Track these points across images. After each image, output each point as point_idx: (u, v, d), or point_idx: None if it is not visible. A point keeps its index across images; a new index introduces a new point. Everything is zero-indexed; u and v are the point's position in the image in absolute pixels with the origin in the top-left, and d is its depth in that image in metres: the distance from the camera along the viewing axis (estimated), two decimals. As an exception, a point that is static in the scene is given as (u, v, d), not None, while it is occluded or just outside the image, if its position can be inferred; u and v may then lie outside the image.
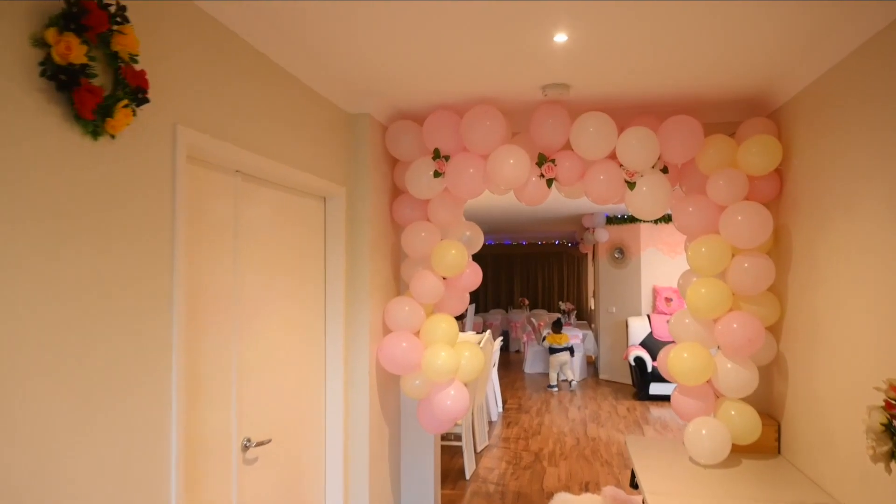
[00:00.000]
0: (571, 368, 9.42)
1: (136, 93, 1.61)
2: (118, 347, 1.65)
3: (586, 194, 3.41)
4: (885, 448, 1.55)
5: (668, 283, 9.05)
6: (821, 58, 2.66)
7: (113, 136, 1.60)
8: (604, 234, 9.61)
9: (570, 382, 9.32)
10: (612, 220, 9.65)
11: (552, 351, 9.27)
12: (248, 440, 2.43)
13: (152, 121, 1.78)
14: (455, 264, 3.47)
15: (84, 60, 1.43)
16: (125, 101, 1.56)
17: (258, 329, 2.57)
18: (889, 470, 1.60)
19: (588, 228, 10.01)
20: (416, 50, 2.63)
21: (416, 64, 2.81)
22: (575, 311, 12.86)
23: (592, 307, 12.81)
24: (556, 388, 9.15)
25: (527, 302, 14.74)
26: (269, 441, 2.56)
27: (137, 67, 1.63)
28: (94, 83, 1.49)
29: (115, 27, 1.54)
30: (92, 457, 1.56)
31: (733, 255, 3.15)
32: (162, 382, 1.82)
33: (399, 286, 3.88)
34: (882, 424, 1.54)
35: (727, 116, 3.49)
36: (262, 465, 2.57)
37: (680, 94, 3.29)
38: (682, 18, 2.32)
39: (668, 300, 8.92)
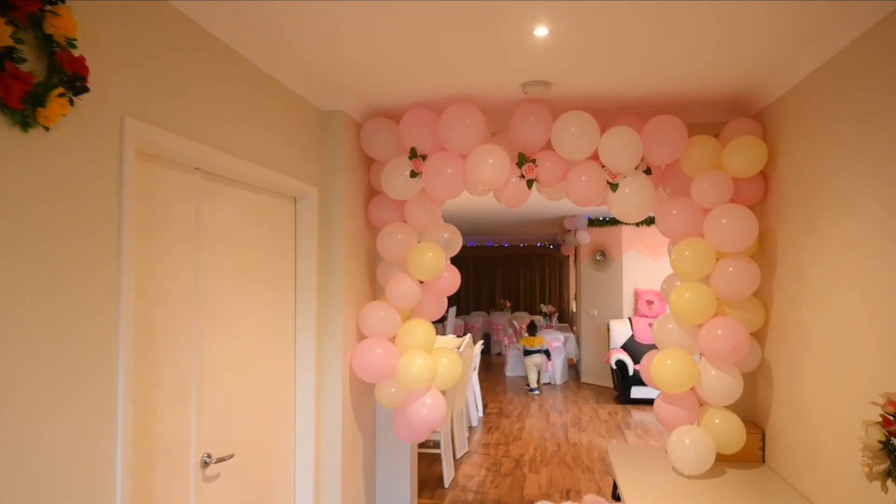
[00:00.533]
0: (545, 371, 9.48)
1: (74, 80, 1.46)
2: (57, 359, 1.50)
3: (568, 196, 3.31)
4: (883, 467, 1.46)
5: (649, 285, 9.02)
6: (808, 58, 2.58)
7: (47, 128, 1.45)
8: (585, 237, 9.55)
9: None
10: (593, 223, 9.60)
11: (526, 353, 9.29)
12: (209, 456, 2.28)
13: (95, 112, 1.63)
14: (432, 267, 3.34)
15: (9, 42, 1.29)
16: (60, 90, 1.41)
17: (222, 336, 2.42)
18: (885, 489, 1.50)
19: (570, 231, 9.95)
20: (391, 43, 2.50)
21: (392, 58, 2.68)
22: (556, 314, 12.80)
23: (574, 310, 12.77)
24: (537, 392, 9.09)
25: (508, 304, 14.65)
26: (232, 456, 2.41)
27: (76, 53, 1.48)
28: (23, 69, 1.34)
29: (48, 7, 1.39)
30: (21, 473, 1.41)
31: (718, 259, 3.07)
32: (106, 396, 1.67)
33: (374, 290, 3.75)
34: (880, 442, 1.45)
35: (712, 117, 3.41)
36: (224, 483, 2.42)
37: (664, 94, 3.19)
38: (668, 16, 2.22)
39: (650, 303, 8.89)
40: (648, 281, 9.03)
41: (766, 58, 2.67)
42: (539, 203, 7.72)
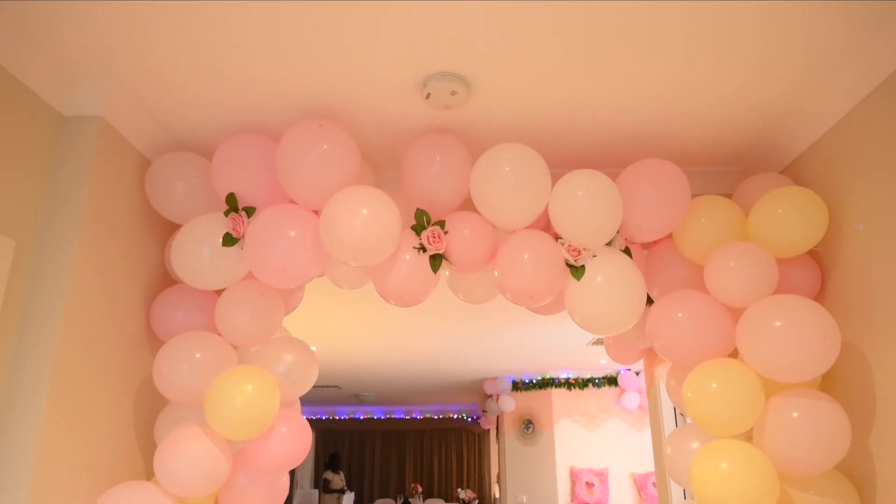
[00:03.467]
0: None
1: None
2: None
3: (501, 288, 1.93)
4: None
5: (588, 462, 7.45)
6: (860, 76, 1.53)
7: None
8: (509, 403, 8.04)
9: None
10: (518, 387, 8.17)
11: None
12: None
13: None
14: (251, 416, 1.77)
15: None
16: None
17: None
18: None
19: (491, 396, 8.46)
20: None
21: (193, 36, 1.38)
22: (477, 501, 10.76)
23: (497, 495, 10.78)
24: None
25: (420, 489, 12.44)
26: None
27: None
28: None
29: None
30: None
31: (768, 398, 1.71)
32: None
33: (149, 460, 2.06)
34: None
35: (708, 181, 2.25)
36: None
37: (644, 134, 2.04)
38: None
39: (590, 486, 7.25)
40: (587, 457, 7.46)
41: (803, 79, 1.59)
42: (455, 358, 6.34)
